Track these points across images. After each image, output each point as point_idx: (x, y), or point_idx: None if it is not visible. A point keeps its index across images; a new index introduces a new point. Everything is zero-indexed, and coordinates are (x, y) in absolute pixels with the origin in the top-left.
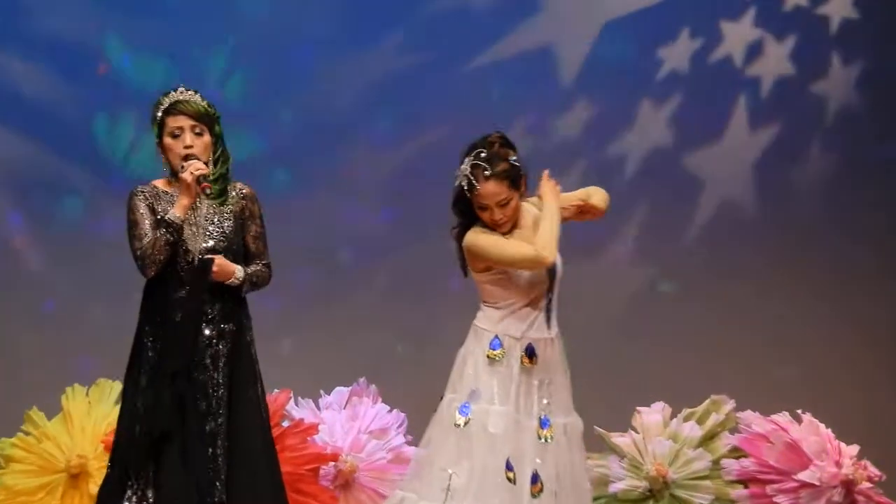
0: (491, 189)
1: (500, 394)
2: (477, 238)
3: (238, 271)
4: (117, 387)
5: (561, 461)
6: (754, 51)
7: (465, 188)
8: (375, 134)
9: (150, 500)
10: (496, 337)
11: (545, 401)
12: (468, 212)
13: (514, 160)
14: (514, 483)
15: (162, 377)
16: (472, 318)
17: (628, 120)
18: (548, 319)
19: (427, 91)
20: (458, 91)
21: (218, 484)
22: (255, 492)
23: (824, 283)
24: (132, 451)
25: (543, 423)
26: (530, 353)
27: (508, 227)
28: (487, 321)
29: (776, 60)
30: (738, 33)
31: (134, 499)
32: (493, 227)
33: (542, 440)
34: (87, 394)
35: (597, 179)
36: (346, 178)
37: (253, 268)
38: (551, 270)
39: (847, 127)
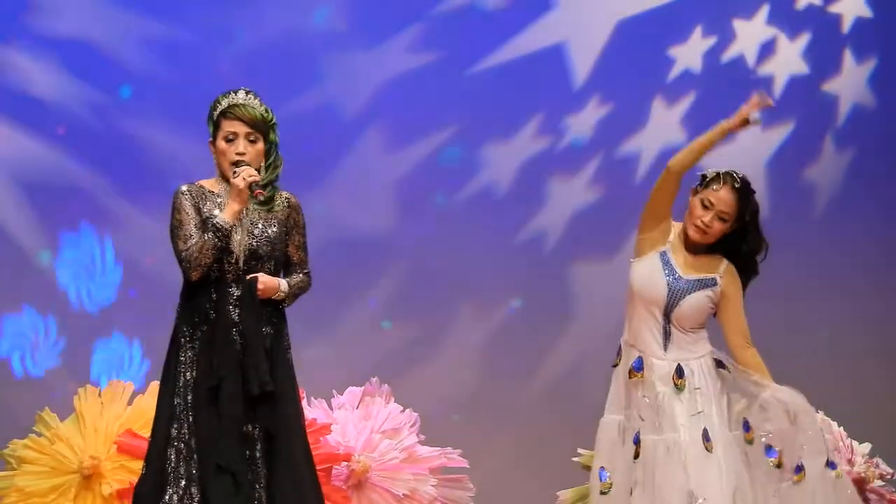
0: (727, 197)
1: (613, 402)
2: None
3: (282, 285)
4: (129, 387)
5: (660, 477)
6: (767, 49)
7: (706, 179)
8: (385, 134)
9: (196, 498)
10: (622, 342)
11: (641, 417)
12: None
13: (755, 203)
14: (607, 493)
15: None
16: (488, 319)
17: (641, 119)
18: (664, 342)
19: (438, 90)
20: (469, 90)
21: (258, 486)
22: (299, 493)
23: (836, 281)
24: (171, 450)
25: (634, 440)
26: (637, 366)
27: (704, 239)
28: (625, 328)
29: (789, 59)
30: (750, 32)
31: (175, 498)
32: (696, 228)
33: (633, 458)
34: (99, 395)
35: (609, 179)
36: (356, 178)
37: (295, 279)
38: (670, 298)
39: (860, 126)
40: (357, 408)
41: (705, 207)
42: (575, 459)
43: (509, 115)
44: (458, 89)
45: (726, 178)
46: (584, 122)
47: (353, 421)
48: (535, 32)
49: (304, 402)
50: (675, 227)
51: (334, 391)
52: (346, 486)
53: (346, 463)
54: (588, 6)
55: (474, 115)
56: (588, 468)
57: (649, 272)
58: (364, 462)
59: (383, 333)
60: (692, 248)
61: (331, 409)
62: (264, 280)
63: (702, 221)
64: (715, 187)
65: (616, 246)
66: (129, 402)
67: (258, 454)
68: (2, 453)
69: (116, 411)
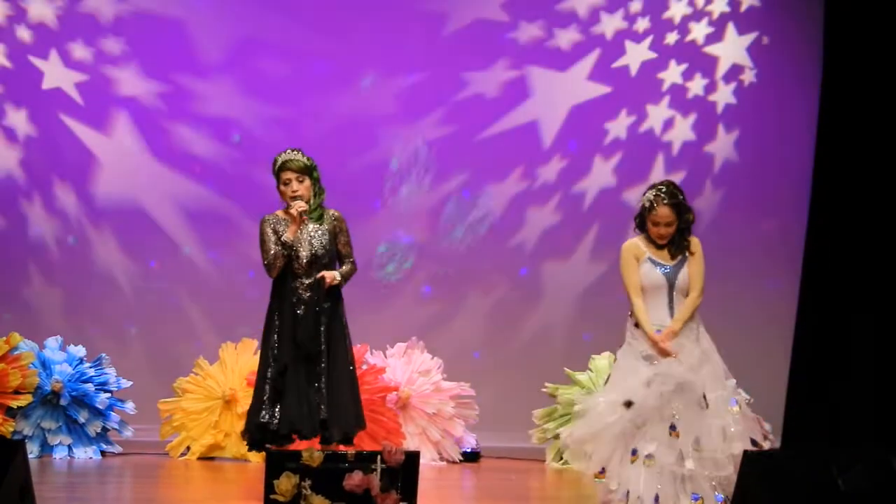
0: (664, 212)
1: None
2: (623, 250)
3: (337, 275)
4: (254, 343)
5: None
6: (668, 124)
7: (647, 207)
8: (419, 180)
9: (277, 416)
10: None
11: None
12: (642, 224)
13: (683, 199)
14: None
15: (293, 344)
16: (489, 297)
17: (586, 170)
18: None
19: (454, 152)
20: (475, 151)
21: (323, 406)
22: (345, 410)
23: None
24: (265, 384)
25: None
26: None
27: (666, 241)
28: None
29: (683, 130)
30: (658, 113)
31: (266, 416)
32: (657, 238)
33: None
34: (235, 348)
35: (566, 209)
36: (402, 206)
37: (345, 268)
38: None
39: (728, 173)
40: (403, 356)
41: (655, 224)
42: (543, 390)
43: (502, 166)
44: (468, 150)
45: (655, 199)
46: (551, 170)
47: (400, 365)
48: (518, 113)
49: (367, 354)
50: (638, 245)
51: (387, 345)
52: (395, 407)
53: (395, 392)
54: (552, 96)
55: (479, 166)
56: (553, 396)
57: (647, 272)
58: (407, 392)
59: (421, 309)
60: (670, 249)
61: (385, 357)
62: (326, 275)
63: (658, 234)
64: (653, 212)
65: (572, 251)
66: (255, 353)
67: (322, 385)
68: (173, 386)
69: (246, 359)
